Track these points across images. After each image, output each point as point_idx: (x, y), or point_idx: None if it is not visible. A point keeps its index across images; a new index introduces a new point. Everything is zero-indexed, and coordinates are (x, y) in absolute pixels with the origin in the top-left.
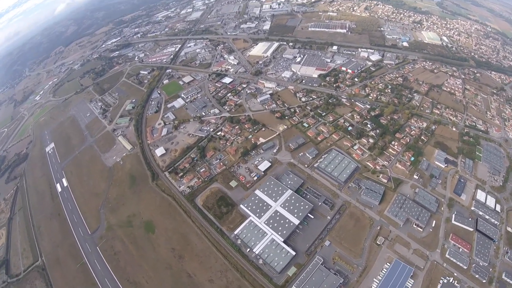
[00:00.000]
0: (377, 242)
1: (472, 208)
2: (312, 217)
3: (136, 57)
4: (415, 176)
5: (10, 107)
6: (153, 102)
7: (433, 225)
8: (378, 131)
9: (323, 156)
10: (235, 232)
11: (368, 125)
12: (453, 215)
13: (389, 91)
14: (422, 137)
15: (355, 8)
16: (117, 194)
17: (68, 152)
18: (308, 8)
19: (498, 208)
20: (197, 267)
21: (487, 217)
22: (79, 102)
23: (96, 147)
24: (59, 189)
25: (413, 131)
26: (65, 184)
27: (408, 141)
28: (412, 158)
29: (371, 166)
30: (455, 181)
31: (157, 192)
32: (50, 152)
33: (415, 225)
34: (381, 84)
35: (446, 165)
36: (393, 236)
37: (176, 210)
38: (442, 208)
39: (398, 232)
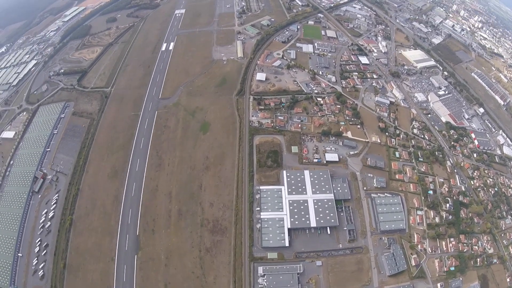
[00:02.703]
0: None
1: None
2: (329, 233)
3: None
4: (438, 285)
5: None
6: (287, 32)
7: None
8: (450, 217)
9: (386, 194)
10: (261, 187)
11: (448, 205)
12: None
13: (492, 192)
14: (478, 260)
15: None
16: (202, 84)
17: (191, 24)
18: (486, 54)
19: None
20: (211, 186)
21: None
22: None
23: (215, 37)
24: (163, 48)
25: (476, 247)
26: (170, 47)
27: (465, 250)
28: (453, 268)
29: (416, 240)
30: None
31: (232, 106)
32: (177, 15)
33: None
34: (491, 179)
35: None
36: None
37: (234, 131)
38: None
39: None
